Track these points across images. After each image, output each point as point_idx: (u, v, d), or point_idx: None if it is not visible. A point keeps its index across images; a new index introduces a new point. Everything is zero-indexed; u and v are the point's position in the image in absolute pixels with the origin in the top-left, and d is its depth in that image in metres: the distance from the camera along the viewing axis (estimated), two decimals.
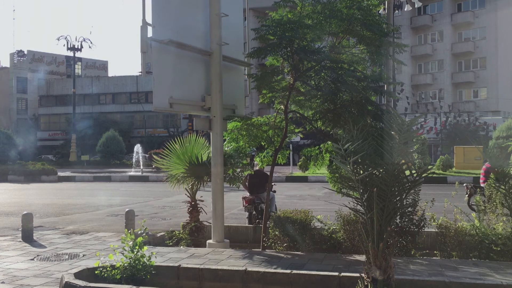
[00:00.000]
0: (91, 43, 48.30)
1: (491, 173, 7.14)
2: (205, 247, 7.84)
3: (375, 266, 4.49)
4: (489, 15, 48.41)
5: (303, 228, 7.40)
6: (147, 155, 34.32)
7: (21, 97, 71.77)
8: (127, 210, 9.04)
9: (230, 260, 6.79)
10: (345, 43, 8.15)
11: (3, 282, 6.00)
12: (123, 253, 5.73)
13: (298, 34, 7.01)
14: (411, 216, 6.84)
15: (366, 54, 7.86)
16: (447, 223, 7.06)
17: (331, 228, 7.54)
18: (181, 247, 8.09)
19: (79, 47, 47.63)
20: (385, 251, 4.50)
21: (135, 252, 5.72)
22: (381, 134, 5.23)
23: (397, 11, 21.58)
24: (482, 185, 11.61)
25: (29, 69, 71.27)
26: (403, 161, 4.72)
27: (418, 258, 6.85)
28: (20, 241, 8.81)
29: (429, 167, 4.93)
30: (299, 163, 26.98)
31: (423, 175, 4.65)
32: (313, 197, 17.16)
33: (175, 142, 8.96)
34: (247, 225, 9.70)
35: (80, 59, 71.98)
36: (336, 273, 5.59)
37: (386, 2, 12.73)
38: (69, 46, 47.06)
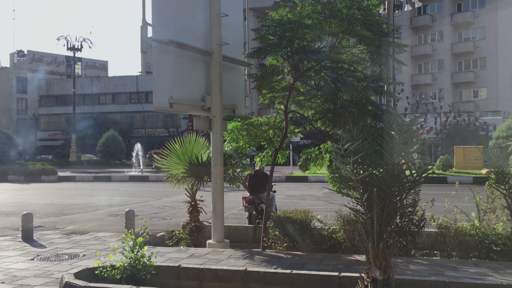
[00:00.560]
0: (91, 43, 48.31)
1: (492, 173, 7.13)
2: (205, 247, 7.84)
3: (375, 266, 4.49)
4: (489, 15, 48.42)
5: (303, 228, 7.40)
6: (147, 155, 34.33)
7: (21, 97, 71.78)
8: (127, 210, 9.04)
9: (230, 260, 6.79)
10: (345, 43, 8.15)
11: (3, 282, 6.00)
12: (123, 253, 5.73)
13: (298, 34, 7.01)
14: (411, 216, 6.85)
15: (366, 54, 7.86)
16: (447, 223, 7.06)
17: (331, 228, 7.54)
18: (181, 247, 8.09)
19: (79, 47, 47.64)
20: (385, 251, 4.50)
21: (135, 252, 5.72)
22: (381, 134, 5.22)
23: (397, 11, 21.59)
24: None
25: (29, 69, 71.29)
26: (403, 161, 4.72)
27: (418, 258, 6.85)
28: (20, 241, 8.81)
29: (429, 167, 4.93)
30: (299, 163, 26.99)
31: (423, 175, 4.65)
32: (313, 197, 17.16)
33: (175, 142, 8.96)
34: (247, 225, 9.70)
35: (80, 59, 72.00)
36: (336, 273, 5.59)
37: (386, 2, 12.74)
38: (69, 46, 47.07)
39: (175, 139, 9.07)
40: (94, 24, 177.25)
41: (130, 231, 6.01)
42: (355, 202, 4.83)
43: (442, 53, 51.48)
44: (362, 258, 5.69)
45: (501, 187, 6.80)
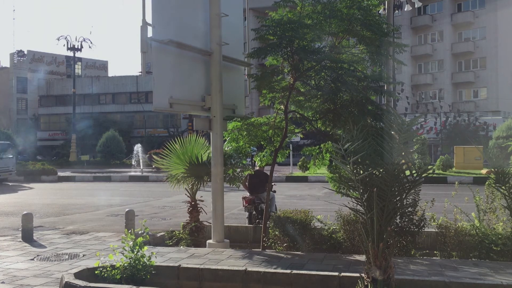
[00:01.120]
0: (91, 43, 48.28)
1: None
2: (205, 247, 7.84)
3: (375, 266, 4.49)
4: (489, 15, 48.42)
5: (303, 228, 7.40)
6: (147, 155, 34.32)
7: (21, 97, 71.76)
8: (127, 210, 9.04)
9: (230, 260, 6.79)
10: (345, 43, 8.15)
11: (3, 282, 6.00)
12: (123, 253, 5.73)
13: (298, 34, 7.01)
14: (411, 216, 6.85)
15: (366, 54, 7.86)
16: (447, 223, 7.06)
17: (331, 228, 7.54)
18: (181, 247, 8.09)
19: (79, 47, 47.62)
20: (385, 251, 4.50)
21: (135, 252, 5.72)
22: (381, 134, 5.22)
23: (397, 11, 21.58)
24: None
25: (29, 69, 71.27)
26: (403, 161, 4.72)
27: (418, 258, 6.85)
28: (20, 241, 8.81)
29: (429, 167, 4.93)
30: (299, 163, 26.97)
31: (423, 175, 4.65)
32: (313, 197, 17.16)
33: (175, 142, 8.96)
34: (247, 225, 9.71)
35: (80, 59, 71.97)
36: (336, 273, 5.59)
37: (386, 2, 12.73)
38: (69, 46, 47.04)
39: (175, 139, 9.06)
40: (94, 24, 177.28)
41: (130, 231, 6.01)
42: (355, 202, 4.83)
43: (442, 53, 51.48)
44: (362, 258, 5.69)
45: (501, 187, 6.80)
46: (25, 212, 9.22)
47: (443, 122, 41.16)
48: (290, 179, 24.84)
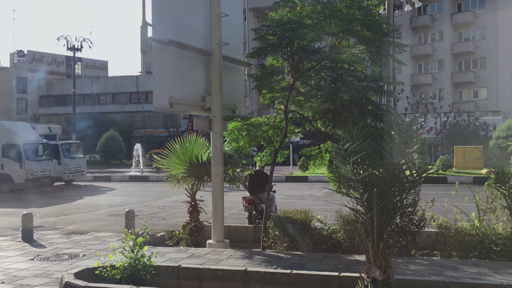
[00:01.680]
0: (91, 43, 48.13)
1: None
2: (205, 247, 7.84)
3: (375, 266, 4.49)
4: (489, 15, 48.39)
5: (303, 228, 7.40)
6: (147, 155, 34.29)
7: (21, 97, 71.73)
8: (127, 210, 9.04)
9: (230, 260, 6.79)
10: (345, 43, 8.15)
11: (3, 282, 6.00)
12: (123, 253, 5.73)
13: (298, 34, 7.01)
14: (411, 216, 6.85)
15: (366, 54, 7.86)
16: (447, 223, 7.06)
17: (331, 228, 7.54)
18: (181, 247, 8.09)
19: (79, 47, 47.55)
20: (385, 251, 4.50)
21: (135, 252, 5.72)
22: (381, 134, 5.23)
23: (397, 11, 21.56)
24: None
25: (29, 69, 71.24)
26: (403, 161, 4.72)
27: (418, 258, 6.85)
28: (20, 241, 8.81)
29: (429, 167, 4.93)
30: (299, 163, 26.95)
31: (423, 175, 4.65)
32: (313, 197, 17.15)
33: (175, 142, 8.96)
34: (247, 225, 9.71)
35: (80, 59, 71.93)
36: (336, 273, 5.59)
37: (386, 2, 12.73)
38: (69, 46, 46.96)
39: (175, 139, 9.07)
40: (94, 24, 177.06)
41: (130, 231, 6.01)
42: (355, 202, 4.83)
43: (442, 53, 51.45)
44: (362, 258, 5.69)
45: (501, 187, 6.80)
46: (25, 212, 9.22)
47: (443, 122, 41.14)
48: (290, 179, 24.83)
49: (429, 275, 5.67)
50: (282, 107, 7.93)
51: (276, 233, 7.60)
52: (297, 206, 9.32)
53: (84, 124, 52.71)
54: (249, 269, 5.99)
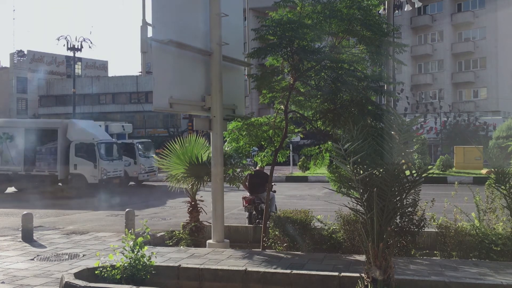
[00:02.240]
0: (91, 43, 48.11)
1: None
2: (205, 247, 7.84)
3: (375, 266, 4.49)
4: (489, 15, 48.38)
5: (303, 228, 7.40)
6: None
7: (21, 97, 71.73)
8: (127, 210, 9.04)
9: (230, 260, 6.79)
10: (345, 43, 8.15)
11: (3, 282, 6.00)
12: (123, 253, 5.73)
13: (298, 34, 7.01)
14: (411, 216, 6.85)
15: (366, 54, 7.86)
16: (447, 223, 7.06)
17: (331, 228, 7.54)
18: (181, 247, 8.09)
19: (79, 47, 47.52)
20: (385, 251, 4.50)
21: (135, 252, 5.72)
22: (381, 134, 5.23)
23: (397, 11, 21.54)
24: None
25: (29, 69, 71.23)
26: (403, 161, 4.72)
27: (418, 258, 6.85)
28: (20, 241, 8.81)
29: (429, 167, 4.93)
30: (299, 163, 26.93)
31: (423, 175, 4.65)
32: (313, 197, 17.15)
33: (175, 142, 8.96)
34: (247, 225, 9.71)
35: (80, 59, 71.89)
36: (336, 273, 5.60)
37: (386, 2, 12.73)
38: (69, 46, 46.93)
39: (175, 139, 9.06)
40: (94, 24, 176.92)
41: (130, 231, 6.01)
42: (355, 202, 4.83)
43: (442, 53, 51.44)
44: (362, 258, 5.69)
45: (501, 187, 6.81)
46: (25, 212, 9.23)
47: (443, 122, 41.13)
48: (290, 179, 24.83)
49: (429, 275, 5.67)
50: (282, 107, 7.93)
51: (276, 233, 7.60)
52: (297, 206, 9.32)
53: None
54: (249, 269, 5.99)
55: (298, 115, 8.29)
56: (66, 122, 20.66)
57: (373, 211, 4.43)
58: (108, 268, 5.69)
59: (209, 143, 8.33)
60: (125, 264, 5.66)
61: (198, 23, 7.80)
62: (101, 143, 20.37)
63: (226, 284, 5.95)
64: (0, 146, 20.14)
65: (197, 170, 8.63)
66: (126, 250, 5.74)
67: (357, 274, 5.10)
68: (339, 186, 7.66)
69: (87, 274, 5.85)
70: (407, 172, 4.71)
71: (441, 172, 24.99)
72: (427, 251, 7.41)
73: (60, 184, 20.12)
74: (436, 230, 7.20)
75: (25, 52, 72.77)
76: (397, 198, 4.69)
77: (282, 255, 7.09)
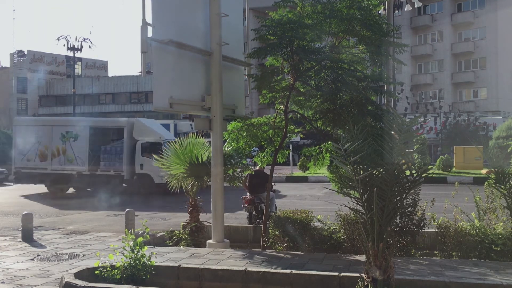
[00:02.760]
0: (91, 43, 48.14)
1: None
2: (205, 247, 7.84)
3: (375, 266, 4.49)
4: (489, 15, 48.38)
5: (303, 228, 7.40)
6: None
7: (21, 97, 71.73)
8: (127, 210, 9.04)
9: (230, 260, 6.79)
10: (345, 43, 8.16)
11: (3, 282, 6.00)
12: (123, 253, 5.73)
13: (298, 34, 7.01)
14: (411, 216, 6.85)
15: (366, 54, 7.87)
16: (447, 223, 7.06)
17: (331, 228, 7.54)
18: (181, 247, 8.09)
19: (79, 47, 47.52)
20: (385, 251, 4.50)
21: (135, 252, 5.72)
22: (381, 134, 5.23)
23: (397, 11, 21.54)
24: None
25: (29, 69, 71.23)
26: (403, 161, 4.72)
27: (418, 258, 6.85)
28: (20, 241, 8.81)
29: (429, 167, 4.93)
30: (299, 163, 26.93)
31: (423, 175, 4.65)
32: (313, 197, 17.15)
33: (175, 142, 8.96)
34: (247, 225, 9.71)
35: (80, 59, 71.90)
36: (336, 273, 5.59)
37: (386, 2, 12.73)
38: (69, 46, 46.93)
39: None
40: (94, 24, 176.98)
41: (130, 231, 6.02)
42: (355, 202, 4.83)
43: (442, 53, 51.44)
44: (362, 258, 5.69)
45: (501, 187, 6.80)
46: (25, 212, 9.23)
47: (443, 122, 41.13)
48: (290, 179, 24.84)
49: (429, 275, 5.67)
50: (282, 107, 7.93)
51: (276, 233, 7.60)
52: (297, 206, 9.32)
53: None
54: (249, 269, 5.99)
55: (298, 115, 8.29)
56: (133, 120, 20.01)
57: (373, 211, 4.43)
58: (108, 268, 5.69)
59: (209, 143, 8.33)
60: (125, 264, 5.66)
61: (198, 23, 7.80)
62: (168, 142, 19.84)
63: (226, 284, 5.95)
64: (63, 146, 19.40)
65: (197, 170, 8.63)
66: (126, 250, 5.74)
67: (357, 274, 5.10)
68: (340, 186, 7.66)
69: (87, 274, 5.85)
70: (407, 172, 4.71)
71: (441, 172, 25.00)
72: (427, 251, 7.41)
73: (124, 184, 19.44)
74: (436, 230, 7.20)
75: (25, 52, 72.77)
76: (397, 198, 4.69)
77: (282, 255, 7.09)
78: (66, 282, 5.45)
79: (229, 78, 8.30)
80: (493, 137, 32.58)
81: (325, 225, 7.66)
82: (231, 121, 8.41)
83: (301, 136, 10.70)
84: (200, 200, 8.92)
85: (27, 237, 8.93)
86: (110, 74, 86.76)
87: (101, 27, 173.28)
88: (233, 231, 9.03)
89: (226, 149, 8.41)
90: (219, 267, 6.17)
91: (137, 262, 5.70)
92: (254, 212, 9.93)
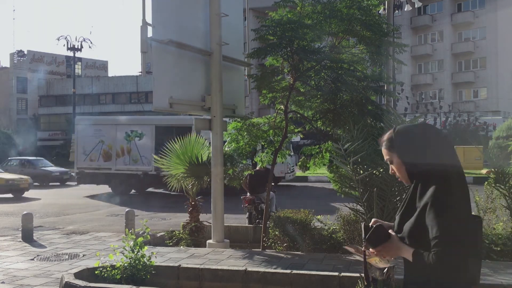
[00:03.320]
0: (91, 43, 48.19)
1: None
2: (205, 247, 7.84)
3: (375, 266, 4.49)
4: (489, 15, 48.39)
5: (303, 228, 7.40)
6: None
7: (21, 97, 71.76)
8: (127, 210, 9.04)
9: (230, 260, 6.79)
10: (345, 43, 8.16)
11: (3, 282, 6.00)
12: (123, 253, 5.72)
13: (298, 34, 7.01)
14: None
15: (366, 54, 7.87)
16: None
17: (331, 228, 7.54)
18: (181, 247, 8.09)
19: (79, 47, 47.54)
20: None
21: (135, 252, 5.72)
22: (381, 134, 5.22)
23: (397, 11, 21.55)
24: None
25: (29, 69, 71.25)
26: None
27: None
28: (20, 241, 8.81)
29: None
30: (299, 163, 26.91)
31: None
32: (313, 197, 17.15)
33: (175, 142, 8.96)
34: (247, 225, 9.71)
35: (80, 59, 71.91)
36: (336, 273, 5.59)
37: (386, 2, 12.73)
38: (69, 46, 46.95)
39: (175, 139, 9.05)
40: (94, 24, 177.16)
41: (131, 231, 6.01)
42: (355, 202, 4.84)
43: (442, 53, 51.45)
44: (362, 258, 5.68)
45: (501, 187, 6.80)
46: (25, 212, 9.23)
47: (443, 122, 41.16)
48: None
49: None
50: (282, 107, 7.93)
51: (276, 233, 7.60)
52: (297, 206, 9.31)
53: None
54: (249, 269, 5.99)
55: (298, 115, 8.29)
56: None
57: (373, 211, 4.43)
58: (108, 268, 5.68)
59: (209, 143, 8.34)
60: (125, 264, 5.66)
61: (198, 23, 7.80)
62: None
63: (226, 284, 5.95)
64: (128, 145, 18.72)
65: (197, 170, 8.63)
66: (126, 250, 5.73)
67: (357, 274, 5.10)
68: (340, 186, 7.67)
69: (87, 274, 5.84)
70: None
71: None
72: None
73: None
74: None
75: (25, 52, 72.81)
76: (397, 198, 4.69)
77: (282, 255, 7.09)
78: (66, 282, 5.45)
79: (229, 78, 8.30)
80: (493, 137, 32.59)
81: (325, 225, 7.66)
82: (231, 122, 8.42)
83: (301, 136, 10.70)
84: (200, 200, 8.92)
85: (27, 237, 8.93)
86: (110, 74, 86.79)
87: (101, 27, 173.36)
88: (233, 231, 9.03)
89: (226, 149, 8.41)
90: (219, 267, 6.17)
91: (137, 262, 5.69)
92: (254, 212, 9.93)
